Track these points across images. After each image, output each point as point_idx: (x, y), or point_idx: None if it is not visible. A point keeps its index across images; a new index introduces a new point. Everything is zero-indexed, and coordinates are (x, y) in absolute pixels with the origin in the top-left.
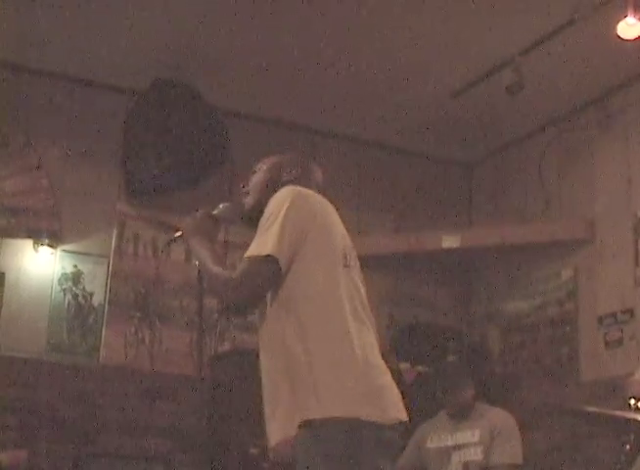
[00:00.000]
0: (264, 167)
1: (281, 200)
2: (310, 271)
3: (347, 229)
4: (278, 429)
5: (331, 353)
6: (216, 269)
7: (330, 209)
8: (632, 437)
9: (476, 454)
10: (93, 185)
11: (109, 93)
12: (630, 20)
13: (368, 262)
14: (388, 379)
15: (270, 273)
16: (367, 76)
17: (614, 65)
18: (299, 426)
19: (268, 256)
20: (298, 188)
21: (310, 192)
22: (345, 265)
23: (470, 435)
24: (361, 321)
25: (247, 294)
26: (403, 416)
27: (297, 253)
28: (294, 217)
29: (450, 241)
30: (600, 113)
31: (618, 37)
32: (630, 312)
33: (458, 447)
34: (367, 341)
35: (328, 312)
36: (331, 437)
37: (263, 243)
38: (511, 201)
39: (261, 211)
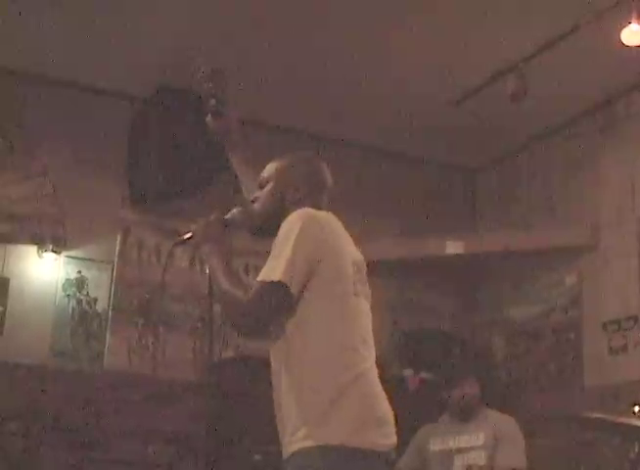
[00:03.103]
0: (271, 185)
1: (293, 224)
2: (320, 300)
3: (351, 235)
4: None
5: (331, 382)
6: (228, 287)
7: (339, 227)
8: (636, 444)
9: (479, 458)
10: (97, 191)
11: (113, 100)
12: (634, 26)
13: (371, 268)
14: (385, 409)
15: (279, 300)
16: (371, 84)
17: (618, 71)
18: (293, 452)
19: (279, 282)
20: (311, 211)
21: (321, 214)
22: (355, 294)
23: (474, 438)
24: (368, 350)
25: (255, 320)
26: (394, 440)
27: (310, 279)
28: (305, 243)
29: (454, 247)
30: (604, 119)
31: (623, 44)
32: (635, 319)
33: (461, 451)
34: (370, 370)
35: (335, 341)
36: (324, 465)
37: (274, 268)
38: (515, 207)
39: (270, 226)
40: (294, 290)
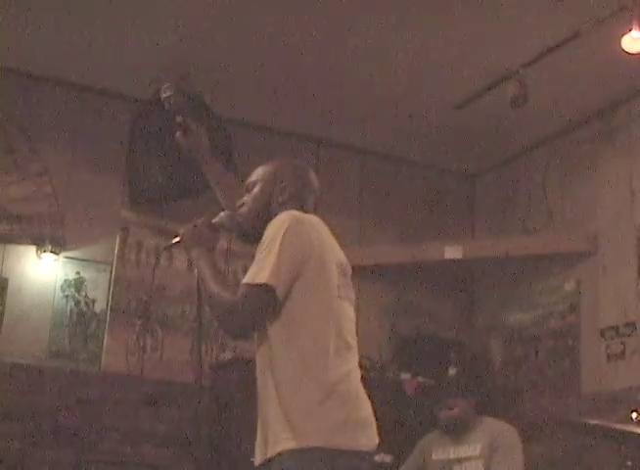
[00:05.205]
0: (258, 188)
1: (278, 226)
2: (305, 302)
3: (350, 239)
4: (262, 453)
5: (315, 383)
6: (217, 289)
7: (324, 230)
8: (633, 451)
9: (477, 468)
10: (97, 192)
11: (114, 101)
12: (635, 33)
13: (370, 273)
14: (368, 412)
15: (266, 302)
16: (371, 87)
17: (618, 78)
18: (277, 454)
19: (265, 284)
20: (296, 213)
21: (306, 217)
22: (339, 296)
23: (472, 448)
24: (351, 353)
25: (242, 322)
26: (376, 441)
27: (295, 281)
28: (291, 245)
29: (453, 252)
30: (604, 126)
31: (623, 51)
32: (632, 326)
33: (460, 461)
34: (354, 372)
35: (319, 343)
36: (306, 466)
37: (260, 270)
38: (514, 212)
39: (257, 230)
40: (279, 292)
